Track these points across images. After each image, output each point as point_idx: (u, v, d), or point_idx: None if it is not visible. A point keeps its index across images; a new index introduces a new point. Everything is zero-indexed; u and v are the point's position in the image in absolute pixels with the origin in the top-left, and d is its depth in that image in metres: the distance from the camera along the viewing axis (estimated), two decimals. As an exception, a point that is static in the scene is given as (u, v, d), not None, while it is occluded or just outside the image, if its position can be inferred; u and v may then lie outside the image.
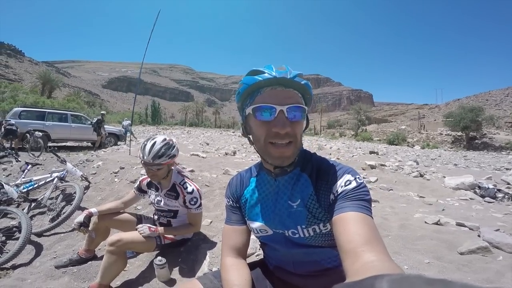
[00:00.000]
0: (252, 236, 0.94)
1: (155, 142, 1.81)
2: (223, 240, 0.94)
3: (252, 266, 0.96)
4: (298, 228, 0.79)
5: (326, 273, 0.85)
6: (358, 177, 0.73)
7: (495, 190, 4.24)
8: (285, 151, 0.71)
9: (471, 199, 4.01)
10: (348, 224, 0.62)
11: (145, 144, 1.82)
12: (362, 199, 0.68)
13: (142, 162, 1.82)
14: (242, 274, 0.83)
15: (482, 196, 4.16)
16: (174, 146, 1.90)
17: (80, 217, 1.91)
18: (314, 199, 0.78)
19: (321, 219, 0.77)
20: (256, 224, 0.87)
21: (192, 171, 4.42)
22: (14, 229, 2.75)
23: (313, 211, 0.77)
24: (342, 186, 0.71)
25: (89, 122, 10.49)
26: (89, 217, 1.94)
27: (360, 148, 16.75)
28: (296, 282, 0.89)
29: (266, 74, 0.71)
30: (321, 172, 0.79)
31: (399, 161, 9.44)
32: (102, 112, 11.99)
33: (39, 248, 2.53)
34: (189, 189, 1.92)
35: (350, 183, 0.71)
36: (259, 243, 2.01)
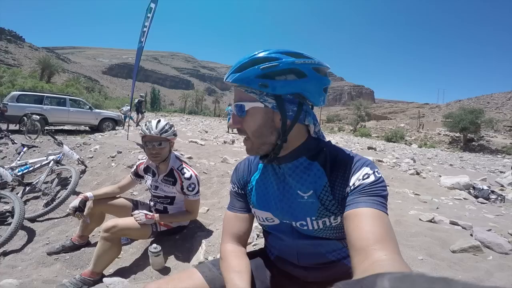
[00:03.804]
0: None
1: (159, 120, 1.93)
2: (224, 226, 0.91)
3: (251, 255, 0.94)
4: (308, 220, 0.77)
5: (329, 265, 0.83)
6: (377, 171, 0.70)
7: (489, 191, 4.27)
8: (245, 144, 0.77)
9: (465, 199, 4.05)
10: (362, 221, 0.60)
11: (150, 122, 1.90)
12: (379, 195, 0.65)
13: (146, 138, 1.85)
14: (242, 261, 0.81)
15: (476, 197, 4.20)
16: (175, 127, 2.00)
17: (75, 201, 1.88)
18: (328, 191, 0.74)
19: (333, 211, 0.74)
20: (262, 213, 0.85)
21: (190, 158, 4.41)
22: (7, 214, 2.71)
23: (325, 203, 0.74)
24: (359, 179, 0.68)
25: (88, 106, 10.45)
26: (84, 201, 1.91)
27: (358, 143, 16.79)
28: (298, 274, 0.88)
29: None
30: (337, 163, 0.74)
31: (396, 158, 9.48)
32: (142, 94, 14.02)
33: (31, 234, 2.48)
34: (187, 174, 1.90)
35: (368, 177, 0.68)
36: (257, 232, 2.01)
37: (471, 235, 2.14)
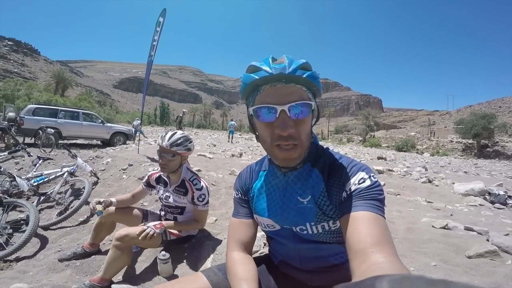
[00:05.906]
0: (258, 234, 0.93)
1: (175, 133, 1.95)
2: (230, 233, 0.92)
3: (256, 261, 0.94)
4: (307, 224, 0.77)
5: (332, 269, 0.83)
6: (373, 175, 0.70)
7: (506, 196, 4.12)
8: (291, 153, 0.69)
9: (480, 205, 3.91)
10: (359, 224, 0.61)
11: (166, 133, 1.93)
12: (375, 198, 0.66)
13: (160, 149, 1.89)
14: (249, 269, 0.81)
15: (492, 203, 4.05)
16: (192, 141, 2.00)
17: (100, 199, 1.93)
18: (325, 196, 0.75)
19: (331, 216, 0.75)
20: (263, 219, 0.86)
21: (199, 170, 4.46)
22: (22, 221, 2.81)
23: (323, 208, 0.76)
24: (355, 184, 0.69)
25: (100, 120, 10.72)
26: (109, 204, 1.95)
27: (367, 153, 16.56)
28: (302, 278, 0.88)
29: (262, 71, 0.66)
30: (334, 168, 0.76)
31: (407, 167, 9.28)
32: (184, 110, 15.89)
33: (44, 241, 2.55)
34: (199, 185, 1.95)
35: (364, 181, 0.68)
36: (264, 241, 2.00)
37: (487, 240, 2.07)
